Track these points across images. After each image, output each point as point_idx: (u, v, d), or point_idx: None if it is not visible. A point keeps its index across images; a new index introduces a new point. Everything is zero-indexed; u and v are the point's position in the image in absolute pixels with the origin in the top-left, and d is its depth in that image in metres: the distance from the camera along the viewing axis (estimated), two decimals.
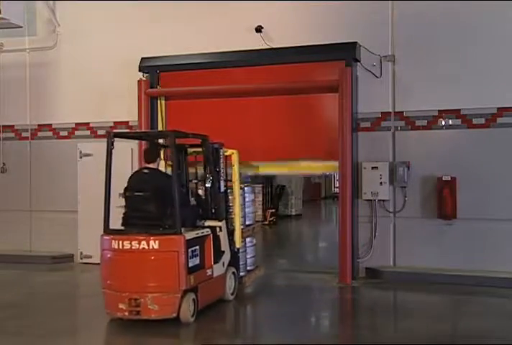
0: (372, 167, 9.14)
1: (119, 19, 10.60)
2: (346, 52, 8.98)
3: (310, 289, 8.82)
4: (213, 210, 7.40)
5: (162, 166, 7.61)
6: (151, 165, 7.16)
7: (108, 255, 6.66)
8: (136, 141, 9.94)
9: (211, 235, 7.17)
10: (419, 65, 9.09)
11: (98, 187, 10.34)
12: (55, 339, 6.33)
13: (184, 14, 10.17)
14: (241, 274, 8.05)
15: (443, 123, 9.00)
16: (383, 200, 9.20)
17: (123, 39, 10.49)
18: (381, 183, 9.11)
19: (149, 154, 7.25)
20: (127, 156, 10.28)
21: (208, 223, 7.25)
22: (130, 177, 7.22)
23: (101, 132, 10.76)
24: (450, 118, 8.96)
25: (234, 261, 7.75)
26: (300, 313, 7.44)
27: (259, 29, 9.63)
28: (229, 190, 7.85)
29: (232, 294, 7.68)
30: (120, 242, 6.52)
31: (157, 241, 6.43)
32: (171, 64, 9.89)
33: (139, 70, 9.98)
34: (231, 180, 7.86)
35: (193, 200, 7.69)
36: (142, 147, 9.68)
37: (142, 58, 9.99)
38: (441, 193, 8.81)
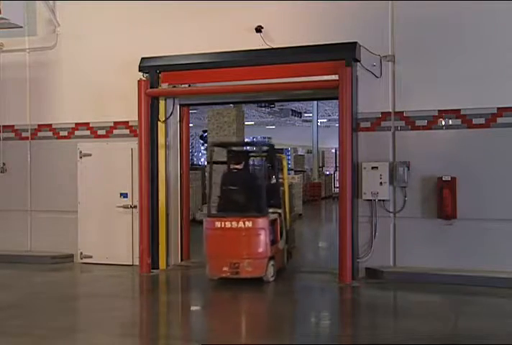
0: (372, 167, 9.14)
1: (119, 19, 10.60)
2: (346, 52, 8.97)
3: (310, 288, 8.83)
4: (272, 201, 9.44)
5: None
6: (238, 166, 9.35)
7: (213, 232, 8.91)
8: (136, 142, 9.97)
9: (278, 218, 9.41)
10: (419, 65, 9.10)
11: (97, 187, 10.50)
12: (56, 340, 6.34)
13: (184, 14, 10.17)
14: None
15: (443, 123, 9.00)
16: (383, 200, 9.20)
17: (123, 39, 10.48)
18: (381, 183, 9.11)
19: (239, 158, 9.46)
20: (127, 156, 10.30)
21: (271, 210, 9.27)
22: (224, 175, 9.47)
23: (101, 132, 10.77)
24: (450, 118, 8.96)
25: (287, 240, 9.84)
26: (299, 312, 7.45)
27: (259, 29, 9.63)
28: None
29: (286, 264, 9.87)
30: (223, 223, 8.79)
31: (250, 222, 8.74)
32: (171, 64, 9.89)
33: (139, 70, 9.97)
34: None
35: None
36: (142, 147, 9.75)
37: (142, 58, 9.99)
38: (441, 193, 8.81)
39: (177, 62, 9.85)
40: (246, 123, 24.09)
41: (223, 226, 8.80)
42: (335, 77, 8.87)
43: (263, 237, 8.77)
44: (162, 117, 10.05)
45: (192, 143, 24.82)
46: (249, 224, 8.74)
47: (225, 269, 8.73)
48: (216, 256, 8.86)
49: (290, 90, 9.49)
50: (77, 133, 10.94)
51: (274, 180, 9.89)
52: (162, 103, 10.08)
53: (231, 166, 9.52)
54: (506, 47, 8.76)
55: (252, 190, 9.06)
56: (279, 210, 9.56)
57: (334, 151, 33.92)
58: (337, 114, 9.12)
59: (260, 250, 8.77)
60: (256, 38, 9.59)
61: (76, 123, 10.93)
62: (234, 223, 8.76)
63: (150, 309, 8.08)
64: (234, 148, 10.21)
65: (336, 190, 22.85)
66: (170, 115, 10.15)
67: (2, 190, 11.24)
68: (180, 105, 10.38)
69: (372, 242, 9.20)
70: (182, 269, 10.12)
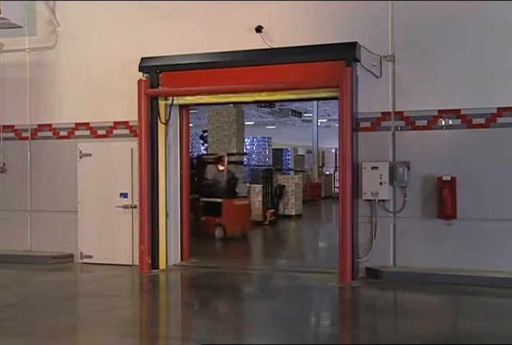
0: (372, 167, 9.14)
1: (119, 19, 10.61)
2: (346, 52, 8.97)
3: (310, 289, 8.83)
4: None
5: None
6: (222, 168, 15.10)
7: (231, 208, 14.36)
8: (136, 142, 9.98)
9: None
10: (419, 65, 9.10)
11: (98, 187, 10.50)
12: (56, 339, 6.34)
13: (184, 14, 10.18)
14: None
15: (443, 123, 9.00)
16: (383, 200, 9.20)
17: (123, 39, 10.49)
18: (381, 183, 9.11)
19: (223, 162, 15.11)
20: (127, 156, 10.30)
21: None
22: (211, 173, 15.27)
23: (101, 132, 10.77)
24: (450, 118, 8.96)
25: None
26: (299, 312, 7.45)
27: (259, 29, 9.63)
28: None
29: None
30: (236, 202, 14.78)
31: (247, 201, 15.62)
32: (171, 64, 9.90)
33: (139, 70, 9.98)
34: None
35: None
36: (142, 147, 9.76)
37: (142, 58, 9.99)
38: (441, 193, 8.82)
39: (177, 62, 9.85)
40: (246, 123, 24.08)
41: (236, 203, 14.66)
42: (335, 77, 8.87)
43: (250, 209, 15.92)
44: (162, 117, 10.04)
45: (192, 143, 24.78)
46: (247, 202, 15.49)
47: (238, 229, 14.46)
48: (234, 222, 14.27)
49: (290, 90, 9.47)
50: (77, 133, 10.94)
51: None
52: (161, 103, 10.07)
53: (220, 168, 15.10)
54: (506, 47, 8.76)
55: (237, 182, 15.69)
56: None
57: (334, 151, 33.92)
58: (337, 114, 9.12)
59: (251, 218, 15.78)
60: (256, 38, 9.59)
61: (76, 123, 10.93)
62: (242, 202, 14.96)
63: (150, 309, 8.09)
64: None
65: (336, 190, 22.87)
66: (169, 118, 10.14)
67: (2, 190, 11.24)
68: (180, 105, 10.38)
69: (372, 242, 9.20)
70: (182, 269, 10.13)
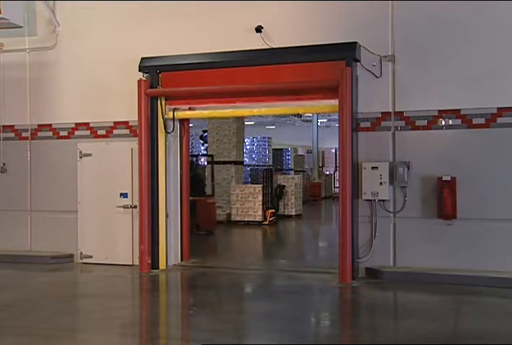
0: (372, 167, 9.14)
1: (119, 19, 10.61)
2: (346, 52, 8.97)
3: (310, 288, 8.83)
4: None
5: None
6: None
7: (204, 206, 15.54)
8: (136, 142, 9.98)
9: None
10: (419, 65, 9.10)
11: (98, 187, 10.51)
12: (56, 340, 6.34)
13: (184, 13, 10.18)
14: None
15: (443, 123, 9.01)
16: (383, 200, 9.20)
17: (123, 39, 10.49)
18: (381, 183, 9.11)
19: (194, 167, 16.51)
20: (127, 156, 10.30)
21: None
22: (193, 175, 15.10)
23: (101, 132, 10.77)
24: (450, 118, 8.97)
25: None
26: (299, 312, 7.45)
27: (259, 29, 9.63)
28: None
29: None
30: (208, 200, 16.26)
31: (212, 199, 16.79)
32: (171, 64, 9.90)
33: (139, 70, 9.98)
34: None
35: None
36: (142, 147, 9.75)
37: (142, 58, 10.00)
38: (441, 193, 8.82)
39: (177, 62, 9.85)
40: (246, 123, 24.11)
41: (209, 202, 16.09)
42: (335, 77, 8.87)
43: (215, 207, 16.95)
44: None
45: (192, 143, 24.81)
46: (213, 201, 16.85)
47: (209, 226, 15.53)
48: (206, 219, 15.37)
49: (290, 90, 9.47)
50: (77, 133, 10.94)
51: None
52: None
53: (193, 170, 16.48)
54: (506, 47, 8.76)
55: (204, 183, 17.91)
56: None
57: (334, 151, 33.94)
58: (337, 114, 9.12)
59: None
60: (256, 38, 9.60)
61: (76, 123, 10.93)
62: (210, 201, 16.41)
63: (150, 309, 8.09)
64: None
65: (336, 190, 22.89)
66: (173, 129, 10.15)
67: (2, 190, 11.24)
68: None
69: (372, 242, 9.20)
70: (182, 269, 10.13)
